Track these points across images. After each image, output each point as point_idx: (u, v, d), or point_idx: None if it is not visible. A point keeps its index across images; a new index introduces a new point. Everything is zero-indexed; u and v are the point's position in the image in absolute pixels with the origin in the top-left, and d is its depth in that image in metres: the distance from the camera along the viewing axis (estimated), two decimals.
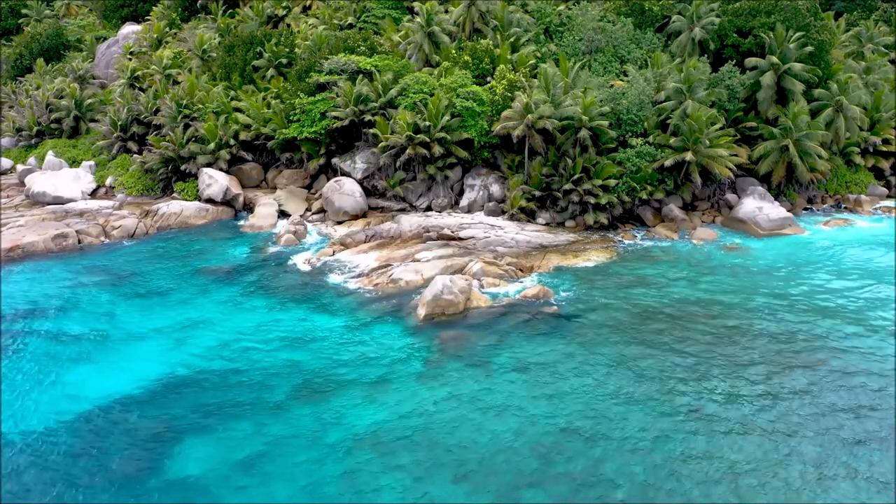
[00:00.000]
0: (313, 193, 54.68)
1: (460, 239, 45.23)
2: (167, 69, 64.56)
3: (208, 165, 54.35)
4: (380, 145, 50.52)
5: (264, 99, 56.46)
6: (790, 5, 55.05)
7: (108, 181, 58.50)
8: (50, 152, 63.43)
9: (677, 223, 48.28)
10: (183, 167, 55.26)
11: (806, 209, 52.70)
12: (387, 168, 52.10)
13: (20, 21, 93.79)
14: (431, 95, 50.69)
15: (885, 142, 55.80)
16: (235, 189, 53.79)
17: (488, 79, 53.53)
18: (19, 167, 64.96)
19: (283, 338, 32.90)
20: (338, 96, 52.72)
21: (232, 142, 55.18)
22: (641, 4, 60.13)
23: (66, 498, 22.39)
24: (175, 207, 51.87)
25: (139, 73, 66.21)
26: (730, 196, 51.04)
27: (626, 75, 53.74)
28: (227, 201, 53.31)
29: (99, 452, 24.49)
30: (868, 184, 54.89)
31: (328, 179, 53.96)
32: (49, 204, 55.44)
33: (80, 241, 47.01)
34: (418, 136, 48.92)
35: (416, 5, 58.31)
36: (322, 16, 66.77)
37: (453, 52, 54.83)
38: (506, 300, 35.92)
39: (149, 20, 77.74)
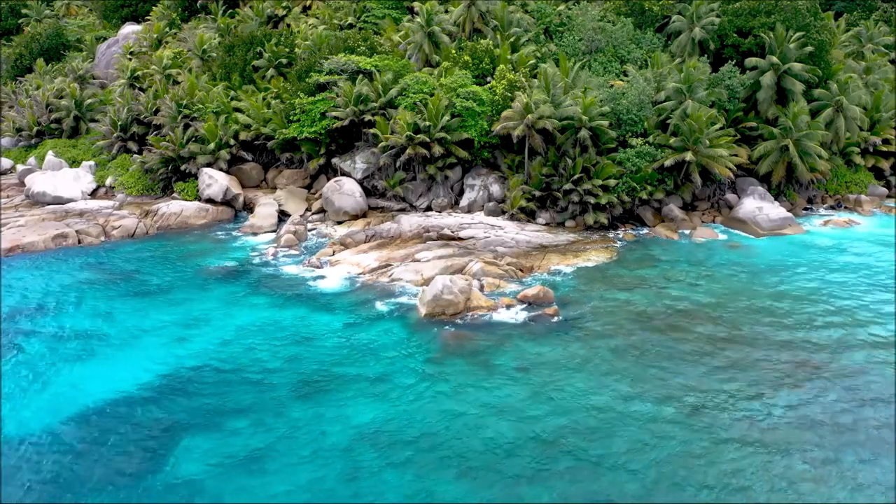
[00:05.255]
0: (313, 193, 54.70)
1: (460, 239, 45.23)
2: (167, 69, 64.59)
3: (208, 165, 54.36)
4: (380, 145, 50.53)
5: (264, 99, 56.47)
6: (790, 5, 55.09)
7: (108, 181, 58.52)
8: (50, 152, 63.46)
9: (677, 223, 48.30)
10: (183, 167, 55.27)
11: (806, 209, 52.73)
12: (387, 168, 52.10)
13: (20, 21, 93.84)
14: (431, 95, 50.70)
15: (885, 142, 55.86)
16: (235, 189, 53.80)
17: (488, 79, 53.55)
18: (19, 167, 65.00)
19: (284, 336, 32.89)
20: (338, 96, 52.72)
21: (232, 142, 55.19)
22: (641, 4, 60.17)
23: (67, 497, 22.36)
24: (175, 207, 51.88)
25: (139, 73, 66.25)
26: (730, 196, 51.07)
27: (626, 75, 53.76)
28: (227, 201, 53.32)
29: (99, 451, 24.47)
30: (868, 184, 54.94)
31: (328, 179, 53.98)
32: (49, 204, 55.47)
33: (80, 241, 47.02)
34: (418, 136, 48.93)
35: (416, 5, 58.34)
36: (322, 16, 66.80)
37: (453, 52, 54.85)
38: (506, 300, 35.89)
39: (149, 20, 77.78)
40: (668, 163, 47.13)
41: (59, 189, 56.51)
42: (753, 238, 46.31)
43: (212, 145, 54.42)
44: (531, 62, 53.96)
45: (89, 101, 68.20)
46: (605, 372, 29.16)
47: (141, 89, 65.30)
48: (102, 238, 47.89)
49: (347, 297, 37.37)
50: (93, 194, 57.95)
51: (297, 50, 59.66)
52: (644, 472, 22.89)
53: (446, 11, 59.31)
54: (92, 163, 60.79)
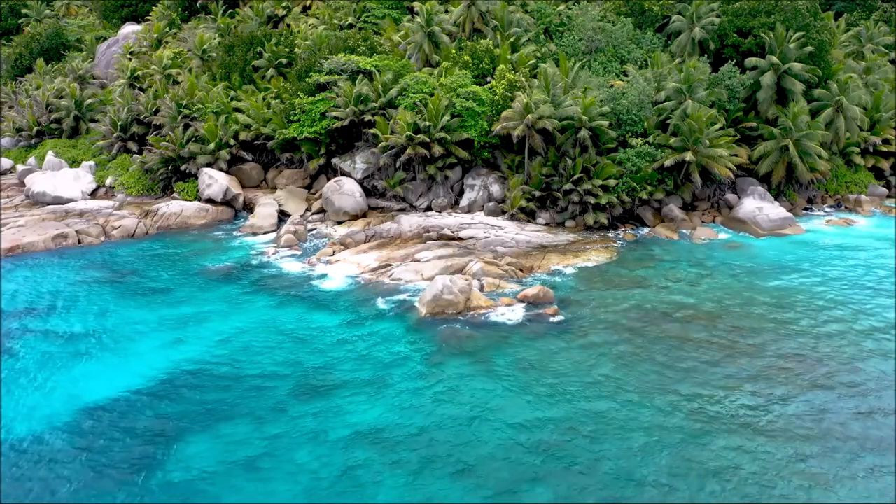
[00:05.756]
0: (313, 193, 54.69)
1: (460, 239, 45.23)
2: (167, 69, 64.60)
3: (208, 165, 54.36)
4: (380, 145, 50.53)
5: (264, 99, 56.48)
6: (790, 5, 55.09)
7: (108, 181, 58.53)
8: (50, 152, 63.47)
9: (677, 223, 48.30)
10: (183, 167, 55.28)
11: (806, 209, 52.74)
12: (387, 168, 52.10)
13: (20, 21, 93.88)
14: (431, 95, 50.70)
15: (885, 142, 55.89)
16: (235, 189, 53.80)
17: (488, 79, 53.55)
18: (19, 167, 65.01)
19: (283, 336, 32.89)
20: (338, 96, 52.72)
21: (232, 142, 55.20)
22: (641, 4, 60.17)
23: (66, 498, 22.36)
24: (175, 207, 51.89)
25: (139, 73, 66.26)
26: (730, 196, 51.07)
27: (626, 75, 53.76)
28: (227, 201, 53.32)
29: (99, 452, 24.46)
30: (868, 184, 54.97)
31: (328, 179, 53.98)
32: (49, 204, 55.47)
33: (80, 241, 47.02)
34: (418, 136, 48.93)
35: (416, 5, 58.35)
36: (322, 16, 66.80)
37: (453, 52, 54.85)
38: (506, 300, 35.89)
39: (149, 20, 77.81)
40: (668, 163, 47.13)
41: (59, 189, 56.51)
42: (753, 238, 46.30)
43: (212, 145, 54.42)
44: (531, 62, 53.95)
45: (89, 101, 68.21)
46: (605, 372, 29.15)
47: (141, 89, 65.31)
48: (102, 238, 47.89)
49: (347, 297, 37.37)
50: (93, 194, 57.96)
51: (297, 50, 59.66)
52: (644, 473, 22.88)
53: (446, 11, 59.31)
54: (92, 163, 60.80)
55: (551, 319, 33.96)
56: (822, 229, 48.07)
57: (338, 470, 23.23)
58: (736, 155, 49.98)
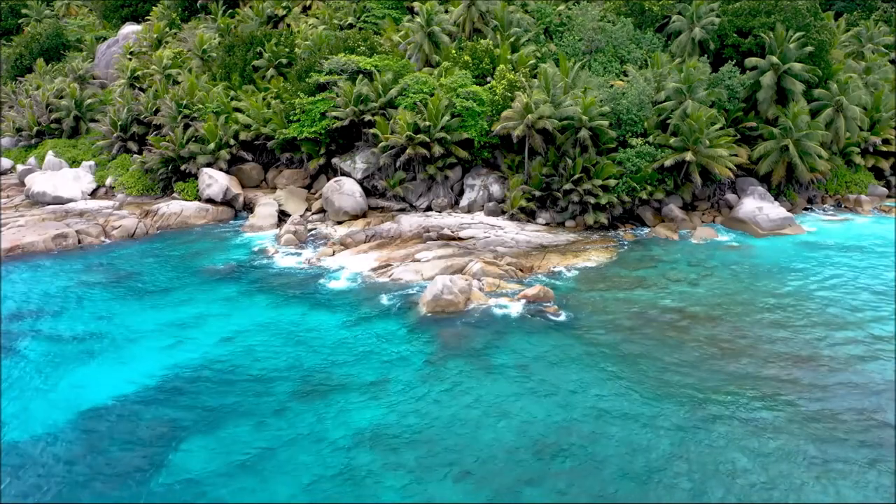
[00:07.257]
0: (313, 193, 54.70)
1: (460, 239, 45.24)
2: (167, 69, 64.60)
3: (208, 165, 54.37)
4: (380, 145, 50.53)
5: (264, 99, 56.49)
6: (790, 5, 55.11)
7: (108, 181, 58.52)
8: (50, 152, 63.46)
9: (677, 223, 48.30)
10: (183, 167, 55.28)
11: (806, 209, 52.74)
12: (387, 168, 52.11)
13: (20, 21, 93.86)
14: (431, 95, 50.72)
15: (885, 142, 55.90)
16: (235, 189, 53.80)
17: (488, 79, 53.56)
18: (19, 167, 64.99)
19: (284, 336, 32.89)
20: (338, 96, 52.74)
21: (232, 142, 55.20)
22: (641, 4, 60.17)
23: (67, 498, 22.36)
24: (175, 207, 51.89)
25: (139, 73, 66.27)
26: (730, 196, 51.08)
27: (626, 75, 53.78)
28: (227, 201, 53.32)
29: (99, 452, 24.46)
30: (868, 184, 54.97)
31: (328, 179, 53.99)
32: (49, 204, 55.46)
33: (80, 241, 47.01)
34: (418, 136, 48.94)
35: (416, 5, 58.37)
36: (322, 16, 66.83)
37: (453, 52, 54.86)
38: (506, 300, 35.91)
39: (149, 20, 77.82)
40: (668, 163, 47.14)
41: (59, 189, 56.51)
42: (753, 238, 46.30)
43: (212, 145, 54.43)
44: (531, 62, 53.96)
45: (89, 101, 68.21)
46: (605, 372, 29.15)
47: (141, 89, 65.33)
48: (102, 238, 47.89)
49: (347, 297, 37.37)
50: (93, 194, 57.96)
51: (297, 50, 59.69)
52: (644, 472, 22.88)
53: (446, 11, 59.32)
54: (92, 163, 60.80)
55: (551, 319, 33.96)
56: (822, 229, 48.06)
57: (338, 470, 23.23)
58: (736, 155, 49.99)
